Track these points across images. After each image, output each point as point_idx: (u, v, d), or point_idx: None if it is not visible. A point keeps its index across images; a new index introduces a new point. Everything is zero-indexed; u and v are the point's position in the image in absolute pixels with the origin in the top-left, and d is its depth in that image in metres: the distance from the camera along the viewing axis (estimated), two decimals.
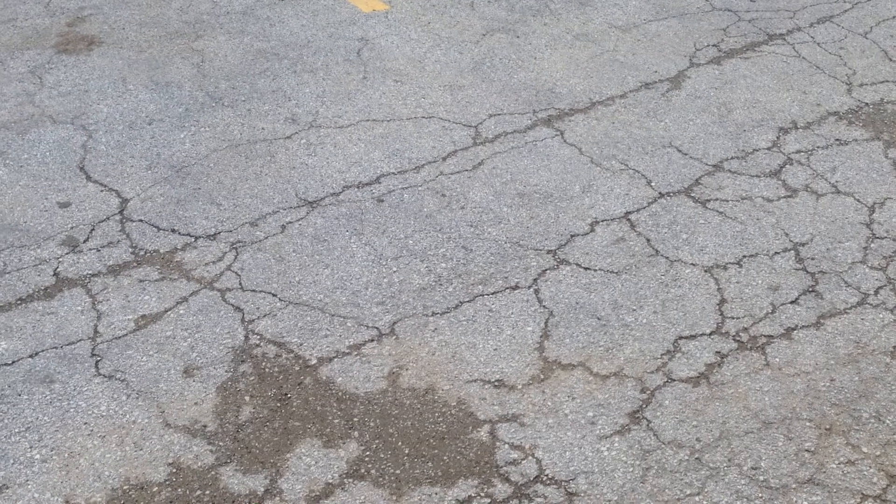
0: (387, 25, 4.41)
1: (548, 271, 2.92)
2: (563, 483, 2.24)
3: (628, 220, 3.15)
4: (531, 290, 2.84)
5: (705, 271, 2.92)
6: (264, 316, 2.70)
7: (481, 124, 3.67)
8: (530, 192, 3.29)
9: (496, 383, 2.51)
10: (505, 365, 2.57)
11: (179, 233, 3.02)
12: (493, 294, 2.82)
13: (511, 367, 2.56)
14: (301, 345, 2.61)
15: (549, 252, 3.00)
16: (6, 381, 2.45)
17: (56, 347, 2.56)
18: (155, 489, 2.19)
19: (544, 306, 2.78)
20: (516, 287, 2.85)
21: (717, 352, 2.62)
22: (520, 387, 2.50)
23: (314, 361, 2.56)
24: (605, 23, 4.46)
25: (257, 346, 2.60)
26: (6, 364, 2.50)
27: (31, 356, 2.53)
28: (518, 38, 4.32)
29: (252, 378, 2.50)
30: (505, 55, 4.18)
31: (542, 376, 2.53)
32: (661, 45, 4.26)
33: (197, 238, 3.00)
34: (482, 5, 4.63)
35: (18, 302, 2.71)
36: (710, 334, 2.68)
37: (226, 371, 2.51)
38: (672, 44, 4.27)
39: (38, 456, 2.25)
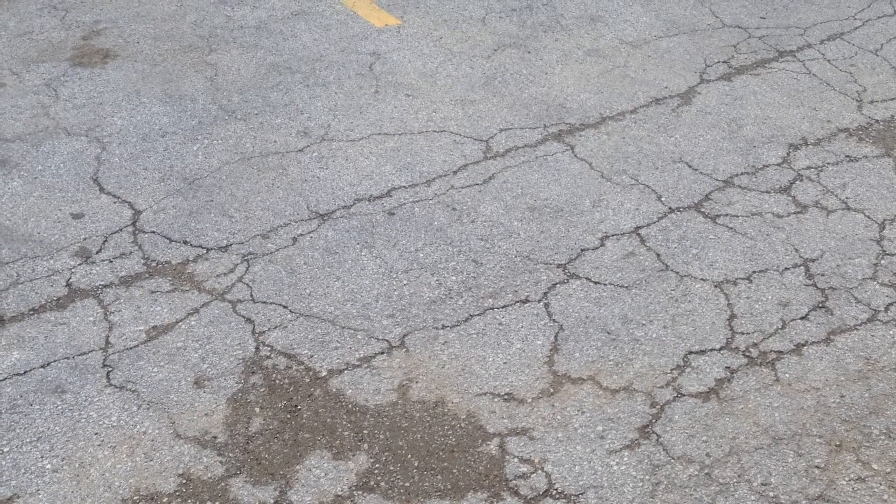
0: (399, 40, 4.44)
1: (558, 285, 2.92)
2: (572, 497, 2.24)
3: (638, 234, 3.15)
4: (541, 303, 2.84)
5: (715, 286, 2.92)
6: (275, 328, 2.71)
7: (492, 138, 3.68)
8: (541, 206, 3.30)
9: (506, 397, 2.51)
10: (514, 378, 2.57)
11: (191, 244, 3.04)
12: (503, 307, 2.82)
13: (521, 380, 2.56)
14: (311, 357, 2.62)
15: (559, 266, 3.00)
16: (18, 390, 2.47)
17: (68, 358, 2.57)
18: (165, 500, 2.19)
19: (554, 320, 2.78)
20: (526, 301, 2.85)
21: (726, 367, 2.61)
22: (529, 400, 2.50)
23: (324, 373, 2.56)
24: (616, 39, 4.48)
25: (268, 357, 2.61)
26: (18, 374, 2.52)
27: (42, 366, 2.54)
28: (529, 54, 4.35)
29: (262, 389, 2.51)
30: (516, 70, 4.20)
31: (551, 390, 2.53)
32: (671, 61, 4.28)
33: (209, 250, 3.02)
34: (494, 21, 4.67)
35: (31, 312, 2.73)
36: (720, 349, 2.67)
37: (236, 382, 2.52)
38: (682, 60, 4.28)
39: (49, 466, 2.26)
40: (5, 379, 2.50)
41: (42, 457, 2.28)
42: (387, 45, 4.39)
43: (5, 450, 2.30)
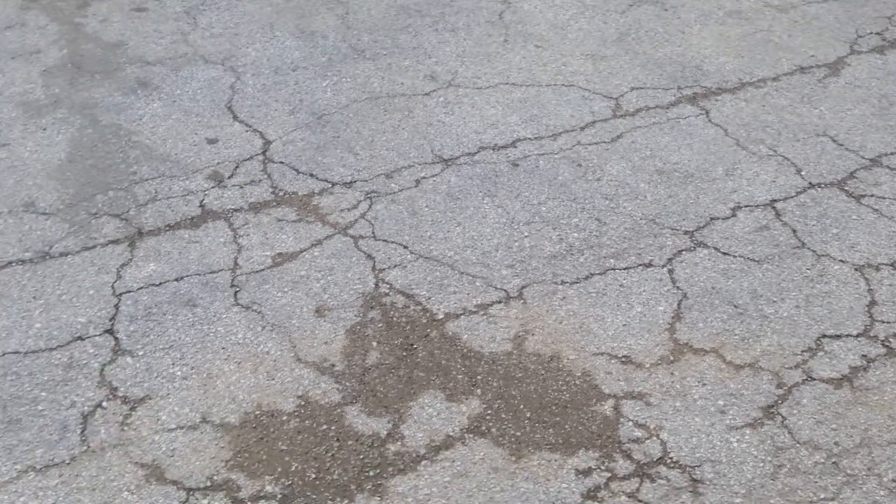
0: None
1: (684, 252, 2.82)
2: (687, 468, 2.17)
3: (774, 208, 3.00)
4: (665, 269, 2.75)
5: (855, 270, 2.75)
6: (395, 266, 2.73)
7: (622, 97, 3.56)
8: (670, 170, 3.18)
9: (623, 359, 2.46)
10: (633, 342, 2.51)
11: (317, 178, 3.08)
12: (625, 269, 2.75)
13: (640, 344, 2.50)
14: (429, 298, 2.62)
15: (686, 233, 2.90)
16: (153, 300, 2.58)
17: (199, 274, 2.66)
18: (284, 418, 2.26)
19: (678, 287, 2.69)
20: (650, 265, 2.77)
21: (863, 355, 2.47)
22: (647, 366, 2.44)
23: (441, 316, 2.57)
24: (761, 1, 4.23)
25: (387, 294, 2.63)
26: (154, 284, 2.63)
27: (176, 280, 2.64)
28: (666, 11, 4.16)
29: (380, 325, 2.53)
30: (651, 27, 4.03)
31: (671, 358, 2.46)
32: (819, 28, 4.01)
33: (334, 184, 3.05)
34: None
35: (167, 228, 2.84)
36: (857, 336, 2.52)
37: (355, 315, 2.56)
38: (832, 28, 4.01)
39: (179, 373, 2.36)
40: (142, 288, 2.61)
41: (173, 364, 2.38)
42: None
43: (140, 353, 2.41)
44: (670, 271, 2.75)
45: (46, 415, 2.24)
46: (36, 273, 2.64)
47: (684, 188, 3.09)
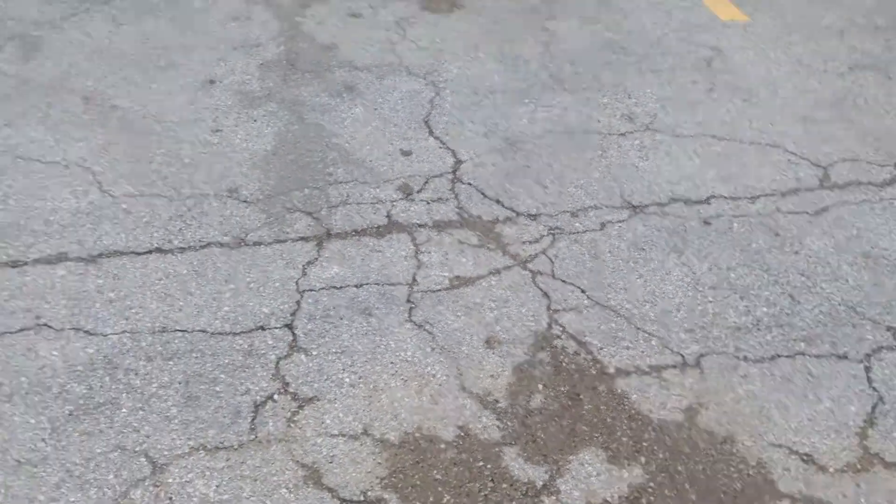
0: (743, 38, 4.15)
1: (884, 350, 2.58)
2: None
3: None
4: (861, 365, 2.53)
5: None
6: (570, 309, 2.67)
7: (832, 166, 3.33)
8: (878, 255, 2.93)
9: (804, 457, 2.27)
10: (818, 440, 2.31)
11: (503, 205, 3.07)
12: (816, 357, 2.55)
13: (825, 444, 2.30)
14: (601, 349, 2.54)
15: (889, 329, 2.65)
16: (332, 302, 2.65)
17: (378, 284, 2.72)
18: (442, 446, 2.25)
19: (874, 388, 2.46)
20: (845, 357, 2.55)
21: None
22: (831, 470, 2.24)
23: (612, 370, 2.48)
24: None
25: (558, 337, 2.57)
26: (335, 287, 2.70)
27: (356, 286, 2.71)
28: (890, 80, 3.86)
29: (548, 368, 2.48)
30: (872, 95, 3.75)
31: (858, 467, 2.25)
32: None
33: (518, 214, 3.03)
34: (853, 36, 4.20)
35: (353, 233, 2.92)
36: None
37: (524, 353, 2.52)
38: None
39: (347, 380, 2.41)
40: (323, 288, 2.70)
41: (343, 369, 2.44)
42: (730, 42, 4.12)
43: (314, 353, 2.49)
44: (867, 368, 2.52)
45: (223, 397, 2.35)
46: (231, 258, 2.79)
47: (892, 278, 2.84)
